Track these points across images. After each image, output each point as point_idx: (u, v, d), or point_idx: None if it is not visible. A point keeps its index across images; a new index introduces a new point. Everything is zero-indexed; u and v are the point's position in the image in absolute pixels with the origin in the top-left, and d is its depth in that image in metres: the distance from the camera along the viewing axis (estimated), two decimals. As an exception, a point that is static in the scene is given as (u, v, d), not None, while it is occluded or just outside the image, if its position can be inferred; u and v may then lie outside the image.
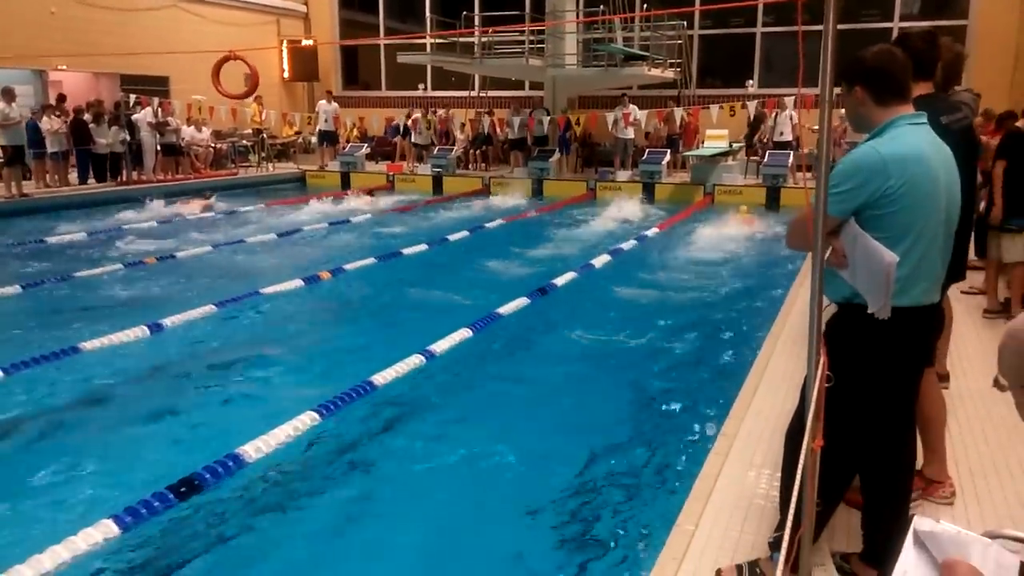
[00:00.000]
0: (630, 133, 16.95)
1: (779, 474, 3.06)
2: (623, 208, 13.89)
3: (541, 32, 18.13)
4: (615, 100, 17.89)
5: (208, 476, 3.91)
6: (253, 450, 4.16)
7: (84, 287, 8.15)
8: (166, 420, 4.91)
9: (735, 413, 4.19)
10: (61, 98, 15.41)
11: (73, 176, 15.33)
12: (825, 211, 2.21)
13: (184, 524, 3.68)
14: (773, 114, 15.77)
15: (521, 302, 7.26)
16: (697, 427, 4.62)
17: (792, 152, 15.38)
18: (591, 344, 6.45)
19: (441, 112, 19.19)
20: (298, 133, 21.04)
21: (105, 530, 3.38)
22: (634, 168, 16.82)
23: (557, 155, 17.52)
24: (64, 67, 17.01)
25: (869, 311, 2.46)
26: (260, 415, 4.82)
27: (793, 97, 15.51)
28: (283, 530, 3.74)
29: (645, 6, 19.38)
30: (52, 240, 10.59)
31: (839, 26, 1.99)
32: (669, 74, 18.07)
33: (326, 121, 18.91)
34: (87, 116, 15.06)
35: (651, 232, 11.57)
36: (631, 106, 16.77)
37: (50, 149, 14.45)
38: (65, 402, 5.07)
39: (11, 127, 13.23)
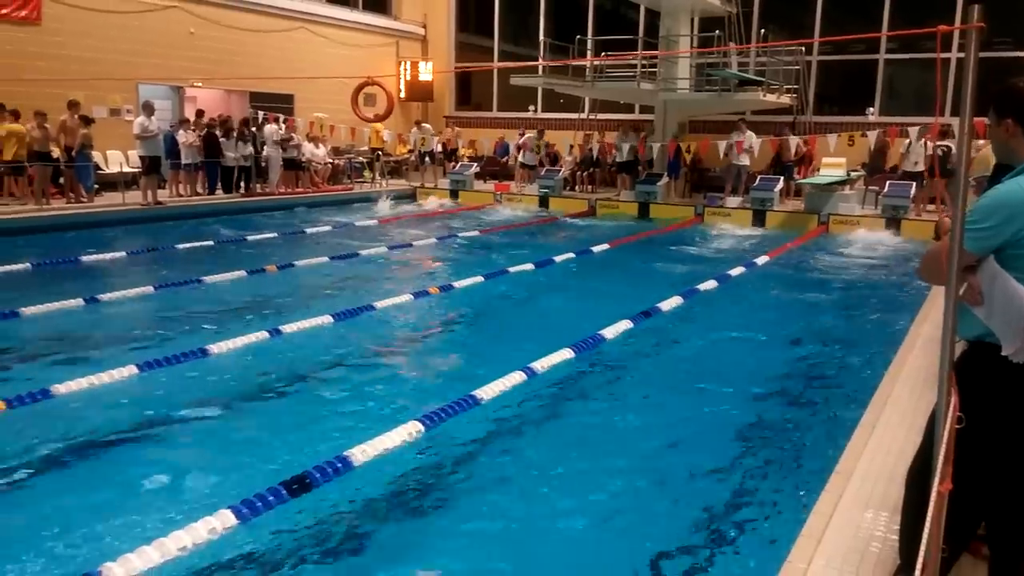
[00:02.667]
0: (744, 160, 16.60)
1: (897, 517, 2.93)
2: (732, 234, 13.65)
3: (653, 55, 18.08)
4: (727, 124, 17.60)
5: (318, 475, 4.06)
6: (360, 454, 4.30)
7: (211, 291, 8.64)
8: (281, 421, 5.14)
9: (851, 450, 4.02)
10: (199, 113, 16.44)
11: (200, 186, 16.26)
12: (962, 246, 2.14)
13: (292, 520, 3.81)
14: (907, 143, 15.08)
15: (624, 325, 7.22)
16: (809, 463, 4.45)
17: (916, 183, 14.72)
18: (695, 370, 6.34)
19: (531, 134, 19.40)
20: (411, 151, 21.69)
21: (224, 519, 3.57)
22: (745, 195, 16.47)
23: (665, 179, 17.36)
24: (200, 84, 18.14)
25: (1003, 353, 2.34)
26: (368, 421, 4.99)
27: (917, 127, 14.83)
28: (382, 533, 3.81)
29: (763, 32, 19.03)
30: (182, 246, 11.26)
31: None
32: (785, 100, 17.63)
33: (424, 143, 19.61)
34: (218, 131, 15.98)
35: (761, 259, 11.29)
36: (748, 132, 16.44)
37: (184, 160, 15.40)
38: (192, 399, 5.35)
39: (150, 139, 14.18)
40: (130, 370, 5.51)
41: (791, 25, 19.73)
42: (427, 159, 19.86)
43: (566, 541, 3.76)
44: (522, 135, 19.28)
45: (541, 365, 5.92)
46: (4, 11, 14.64)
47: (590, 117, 20.73)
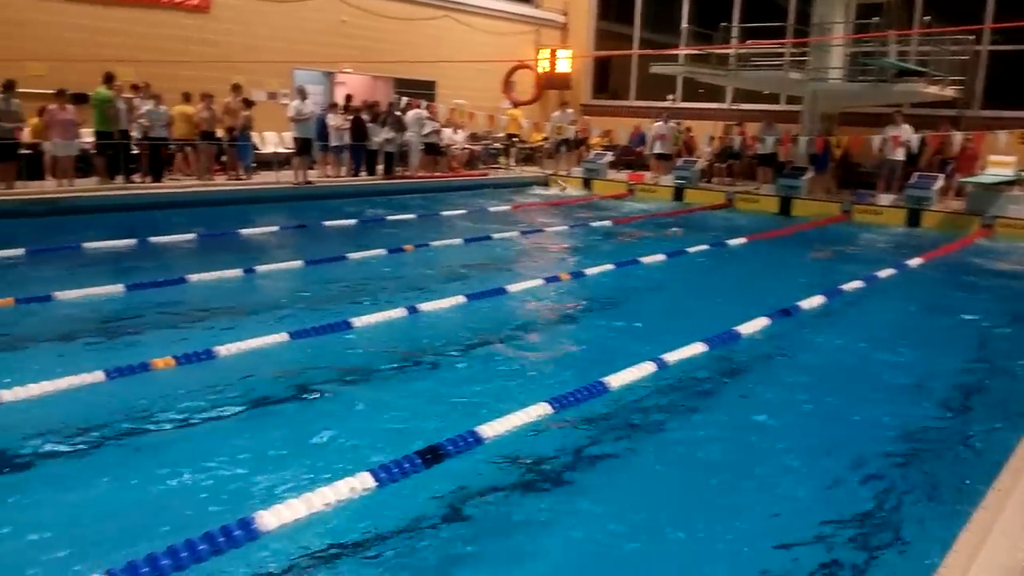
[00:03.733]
0: (899, 155, 15.62)
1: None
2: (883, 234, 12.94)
3: (804, 43, 17.32)
4: (880, 118, 16.61)
5: (450, 447, 4.19)
6: (490, 430, 4.40)
7: (353, 267, 9.05)
8: (416, 392, 5.31)
9: (1012, 466, 3.75)
10: (348, 98, 17.17)
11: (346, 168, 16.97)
12: None
13: (421, 487, 3.91)
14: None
15: (762, 322, 7.01)
16: (964, 477, 4.18)
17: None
18: (837, 373, 6.07)
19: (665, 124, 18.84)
20: (546, 139, 21.78)
21: (364, 481, 3.75)
22: (899, 192, 15.52)
23: (811, 173, 16.61)
24: (349, 70, 18.94)
25: None
26: (498, 399, 5.08)
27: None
28: (505, 509, 3.86)
29: (927, 19, 17.79)
30: (329, 223, 11.84)
31: None
32: (948, 92, 16.45)
33: (560, 131, 19.48)
34: (365, 115, 16.61)
35: (914, 261, 10.64)
36: (904, 126, 15.46)
37: (332, 143, 16.13)
38: (337, 368, 5.62)
39: (303, 122, 14.93)
40: (283, 337, 5.87)
41: (959, 11, 18.31)
42: (563, 147, 19.84)
43: (692, 540, 3.68)
44: (663, 121, 18.80)
45: (672, 357, 5.84)
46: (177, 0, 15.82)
47: (732, 107, 20.13)
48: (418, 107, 17.38)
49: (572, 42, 23.90)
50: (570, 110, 20.04)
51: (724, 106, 20.33)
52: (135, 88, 13.78)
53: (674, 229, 13.62)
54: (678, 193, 17.39)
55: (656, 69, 19.17)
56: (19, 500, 3.71)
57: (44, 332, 6.08)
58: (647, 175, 18.73)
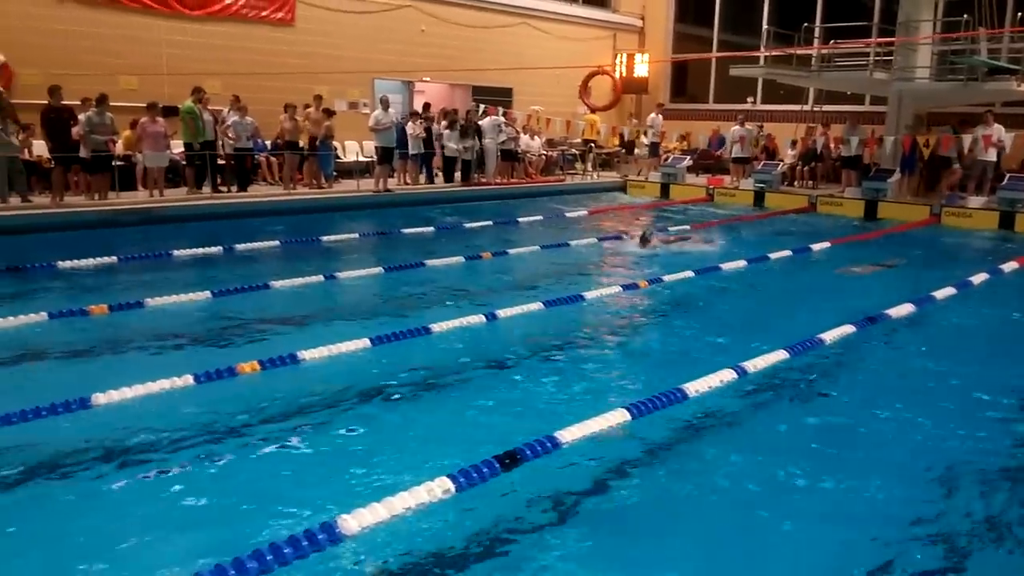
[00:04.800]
0: (992, 155, 14.94)
1: None
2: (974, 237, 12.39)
3: (890, 42, 16.74)
4: (970, 117, 15.90)
5: (528, 452, 4.21)
6: (569, 436, 4.41)
7: (432, 273, 9.18)
8: (494, 398, 5.36)
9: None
10: (426, 107, 17.46)
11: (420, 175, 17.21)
12: None
13: (498, 492, 3.95)
14: None
15: (846, 329, 6.82)
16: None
17: None
18: (926, 383, 5.84)
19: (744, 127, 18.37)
20: (621, 145, 21.63)
21: (443, 485, 3.81)
22: (991, 195, 14.84)
23: (898, 175, 16.03)
24: (428, 79, 19.25)
25: None
26: (575, 405, 5.12)
27: None
28: (585, 516, 3.86)
29: (1021, 15, 16.94)
30: (408, 231, 12.04)
31: None
32: (1042, 91, 15.64)
33: (654, 133, 19.22)
34: (443, 123, 16.85)
35: (1009, 266, 10.16)
36: (995, 126, 14.78)
37: (411, 151, 16.40)
38: (417, 372, 5.74)
39: (384, 130, 15.25)
40: (364, 342, 6.02)
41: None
42: (649, 150, 19.49)
43: (772, 557, 3.60)
44: (741, 124, 18.42)
45: (753, 365, 5.74)
46: (264, 14, 16.40)
47: (814, 109, 19.60)
48: (495, 114, 17.50)
49: (649, 46, 23.70)
50: (660, 116, 19.67)
51: (806, 108, 19.82)
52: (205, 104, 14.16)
53: (755, 234, 13.34)
54: (759, 197, 17.03)
55: (736, 71, 18.85)
56: (115, 499, 3.89)
57: (136, 338, 6.34)
58: (726, 179, 18.42)
